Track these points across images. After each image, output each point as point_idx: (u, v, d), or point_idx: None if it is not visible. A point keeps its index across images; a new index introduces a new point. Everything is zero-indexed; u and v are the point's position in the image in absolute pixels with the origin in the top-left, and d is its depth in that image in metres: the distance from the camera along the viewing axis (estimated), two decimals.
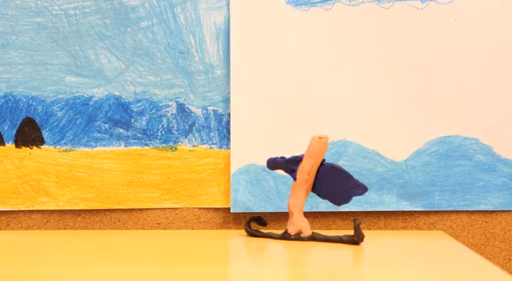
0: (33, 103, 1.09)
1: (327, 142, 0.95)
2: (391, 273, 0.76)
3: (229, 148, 1.09)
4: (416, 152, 1.09)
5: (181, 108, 1.09)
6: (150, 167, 1.10)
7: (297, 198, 0.96)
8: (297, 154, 0.96)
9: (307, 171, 0.96)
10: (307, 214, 1.10)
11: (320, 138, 0.94)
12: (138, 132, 1.09)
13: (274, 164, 0.98)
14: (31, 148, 1.09)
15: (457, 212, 1.10)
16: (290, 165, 0.97)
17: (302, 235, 0.95)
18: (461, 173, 1.09)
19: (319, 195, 0.99)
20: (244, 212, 1.10)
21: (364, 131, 1.08)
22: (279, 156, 0.98)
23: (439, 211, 1.10)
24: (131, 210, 1.10)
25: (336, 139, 1.09)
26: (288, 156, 0.97)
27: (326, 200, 1.09)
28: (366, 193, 1.08)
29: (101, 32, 1.08)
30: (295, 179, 0.97)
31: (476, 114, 1.08)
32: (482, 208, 1.09)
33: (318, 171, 0.97)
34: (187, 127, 1.10)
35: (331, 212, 1.10)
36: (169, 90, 1.09)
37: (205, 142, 1.10)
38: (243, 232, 1.01)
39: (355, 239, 0.92)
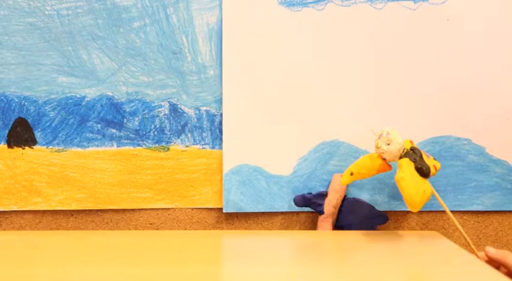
0: (26, 103, 1.09)
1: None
2: (387, 273, 0.76)
3: (222, 148, 1.09)
4: None
5: (174, 109, 1.09)
6: (142, 167, 1.10)
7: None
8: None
9: (333, 204, 1.05)
10: (300, 214, 1.11)
11: (341, 176, 1.02)
12: (130, 133, 1.09)
13: (303, 199, 1.06)
14: (23, 148, 1.09)
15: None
16: (317, 200, 1.05)
17: None
18: (453, 174, 1.09)
19: (343, 227, 1.06)
20: (236, 212, 1.10)
21: (356, 131, 1.08)
22: (305, 192, 1.07)
23: (431, 211, 1.10)
24: (123, 210, 1.10)
25: (328, 139, 1.09)
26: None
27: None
28: (359, 194, 1.09)
29: (93, 32, 1.08)
30: (321, 213, 1.05)
31: (469, 115, 1.08)
32: (474, 208, 1.09)
33: (341, 205, 1.06)
34: (179, 127, 1.10)
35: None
36: (161, 91, 1.09)
37: (197, 142, 1.10)
38: (236, 231, 1.01)
39: None
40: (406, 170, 0.90)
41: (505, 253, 0.90)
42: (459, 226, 0.95)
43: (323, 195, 1.06)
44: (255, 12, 1.08)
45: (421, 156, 0.93)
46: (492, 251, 0.91)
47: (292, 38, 1.08)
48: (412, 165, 0.91)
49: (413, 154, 0.93)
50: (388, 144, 0.92)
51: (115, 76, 1.09)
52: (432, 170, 0.94)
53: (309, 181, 1.09)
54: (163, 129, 1.09)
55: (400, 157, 0.94)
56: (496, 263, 0.90)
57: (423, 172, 0.92)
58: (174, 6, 1.08)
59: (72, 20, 1.08)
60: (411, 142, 0.98)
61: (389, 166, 0.95)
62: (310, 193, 1.06)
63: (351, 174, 0.95)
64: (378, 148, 0.93)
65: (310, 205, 1.06)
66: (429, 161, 0.94)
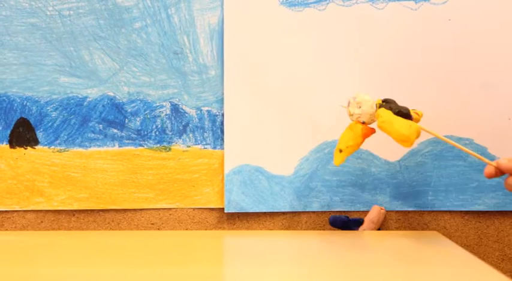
0: (28, 104, 1.09)
1: (385, 213, 1.08)
2: (387, 273, 0.76)
3: (223, 148, 1.09)
4: (410, 152, 1.09)
5: (175, 109, 1.10)
6: (144, 167, 1.10)
7: None
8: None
9: None
10: (301, 214, 1.11)
11: (381, 209, 1.07)
12: (132, 133, 1.10)
13: (339, 222, 1.07)
14: (25, 148, 1.09)
15: (450, 212, 1.10)
16: (352, 225, 1.06)
17: None
18: (455, 174, 1.09)
19: None
20: (238, 212, 1.10)
21: None
22: (342, 215, 1.07)
23: (432, 211, 1.10)
24: (125, 210, 1.11)
25: (330, 139, 1.09)
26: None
27: (320, 200, 1.09)
28: (360, 194, 1.09)
29: (95, 32, 1.08)
30: None
31: (470, 115, 1.08)
32: (476, 209, 1.09)
33: None
34: (181, 128, 1.10)
35: (324, 212, 1.10)
36: (163, 91, 1.09)
37: (199, 142, 1.10)
38: (237, 231, 1.01)
39: None
40: (384, 115, 0.89)
41: None
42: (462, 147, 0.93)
43: (359, 222, 1.07)
44: (256, 13, 1.08)
45: (395, 102, 0.91)
46: (504, 161, 0.88)
47: (294, 38, 1.08)
48: (389, 112, 0.90)
49: (386, 104, 0.91)
50: (360, 107, 0.91)
51: (117, 76, 1.09)
52: (414, 115, 0.92)
53: (310, 181, 1.09)
54: (165, 130, 1.10)
55: None
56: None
57: (403, 113, 0.90)
58: (176, 7, 1.08)
59: (74, 20, 1.08)
60: (380, 99, 0.96)
61: (373, 129, 0.93)
62: (347, 217, 1.07)
63: (340, 151, 0.92)
64: (352, 115, 0.92)
65: (344, 228, 1.07)
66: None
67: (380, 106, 0.91)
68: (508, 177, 0.86)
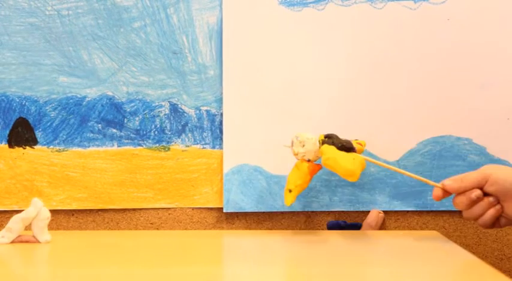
0: (27, 103, 1.09)
1: (383, 216, 1.09)
2: (387, 273, 0.76)
3: (222, 148, 1.09)
4: (409, 152, 1.09)
5: (174, 109, 1.10)
6: (143, 167, 1.10)
7: None
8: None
9: None
10: (300, 214, 1.11)
11: (379, 212, 1.08)
12: (131, 133, 1.09)
13: (337, 226, 1.08)
14: (24, 148, 1.09)
15: (449, 212, 1.10)
16: (350, 229, 1.07)
17: None
18: (454, 174, 1.08)
19: None
20: (237, 212, 1.10)
21: (356, 131, 1.08)
22: (340, 220, 1.09)
23: (431, 211, 1.10)
24: (124, 210, 1.10)
25: None
26: None
27: (319, 200, 1.09)
28: (359, 194, 1.09)
29: (94, 32, 1.08)
30: None
31: (469, 115, 1.08)
32: None
33: None
34: (180, 127, 1.10)
35: (323, 212, 1.10)
36: (162, 91, 1.09)
37: (198, 142, 1.10)
38: (236, 231, 1.01)
39: None
40: (328, 152, 0.90)
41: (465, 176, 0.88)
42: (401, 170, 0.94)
43: (358, 227, 1.08)
44: (255, 12, 1.08)
45: (337, 137, 0.93)
46: (449, 182, 0.89)
47: (293, 38, 1.08)
48: (333, 147, 0.91)
49: (329, 140, 0.93)
50: (303, 145, 0.93)
51: (115, 76, 1.09)
52: (357, 146, 0.94)
53: None
54: (164, 129, 1.10)
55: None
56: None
57: (346, 147, 0.92)
58: (175, 7, 1.08)
59: (73, 20, 1.08)
60: (323, 135, 0.97)
61: (318, 165, 0.95)
62: (344, 222, 1.07)
63: (290, 191, 0.94)
64: (297, 154, 0.94)
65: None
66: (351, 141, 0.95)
67: (323, 142, 0.93)
68: (455, 196, 0.88)
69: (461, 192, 0.88)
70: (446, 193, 0.90)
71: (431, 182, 0.92)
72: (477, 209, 0.87)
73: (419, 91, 1.08)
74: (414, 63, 1.08)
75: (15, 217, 0.89)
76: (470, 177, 0.87)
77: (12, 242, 0.90)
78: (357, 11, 1.08)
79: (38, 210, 0.89)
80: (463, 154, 1.09)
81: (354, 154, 0.92)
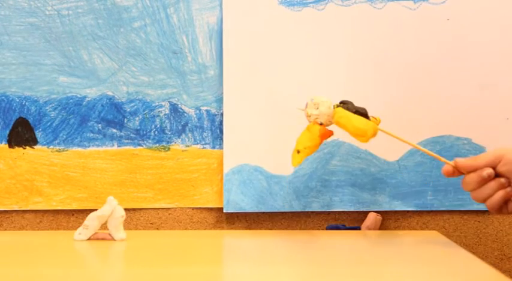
0: (27, 103, 1.09)
1: (381, 219, 1.08)
2: (387, 273, 0.76)
3: (222, 148, 1.09)
4: (409, 152, 1.09)
5: (174, 109, 1.10)
6: (143, 167, 1.10)
7: None
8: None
9: None
10: (300, 214, 1.11)
11: (377, 215, 1.07)
12: (131, 133, 1.09)
13: (335, 230, 1.07)
14: (24, 148, 1.09)
15: (449, 212, 1.10)
16: None
17: None
18: None
19: None
20: (237, 212, 1.10)
21: None
22: (339, 224, 1.08)
23: (431, 211, 1.10)
24: (124, 210, 1.10)
25: (329, 139, 1.08)
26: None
27: (319, 200, 1.09)
28: (360, 194, 1.09)
29: (94, 32, 1.08)
30: None
31: (469, 115, 1.08)
32: (475, 208, 1.09)
33: None
34: (180, 127, 1.10)
35: (323, 212, 1.10)
36: (162, 91, 1.09)
37: (198, 142, 1.10)
38: (236, 231, 1.01)
39: None
40: (342, 111, 0.89)
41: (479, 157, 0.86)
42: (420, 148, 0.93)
43: (356, 230, 1.07)
44: (255, 12, 1.08)
45: (352, 103, 0.91)
46: (461, 159, 0.87)
47: (293, 38, 1.08)
48: (347, 111, 0.90)
49: (344, 105, 0.91)
50: (317, 108, 0.91)
51: (115, 76, 1.09)
52: (372, 119, 0.91)
53: (309, 181, 1.09)
54: (164, 129, 1.10)
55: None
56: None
57: (361, 113, 0.90)
58: (175, 6, 1.08)
59: (73, 20, 1.08)
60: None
61: (331, 130, 0.93)
62: (343, 225, 1.07)
63: (298, 152, 0.92)
64: (310, 116, 0.92)
65: None
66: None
67: (338, 106, 0.91)
68: (465, 176, 0.86)
69: (473, 170, 0.86)
70: (456, 171, 0.87)
71: (443, 159, 0.89)
72: (486, 189, 0.85)
73: (419, 91, 1.08)
74: (414, 63, 1.08)
75: (91, 215, 0.91)
76: (484, 156, 0.85)
77: (89, 239, 0.92)
78: (357, 11, 1.08)
79: (112, 208, 0.91)
80: (463, 154, 1.09)
81: (367, 120, 0.91)
